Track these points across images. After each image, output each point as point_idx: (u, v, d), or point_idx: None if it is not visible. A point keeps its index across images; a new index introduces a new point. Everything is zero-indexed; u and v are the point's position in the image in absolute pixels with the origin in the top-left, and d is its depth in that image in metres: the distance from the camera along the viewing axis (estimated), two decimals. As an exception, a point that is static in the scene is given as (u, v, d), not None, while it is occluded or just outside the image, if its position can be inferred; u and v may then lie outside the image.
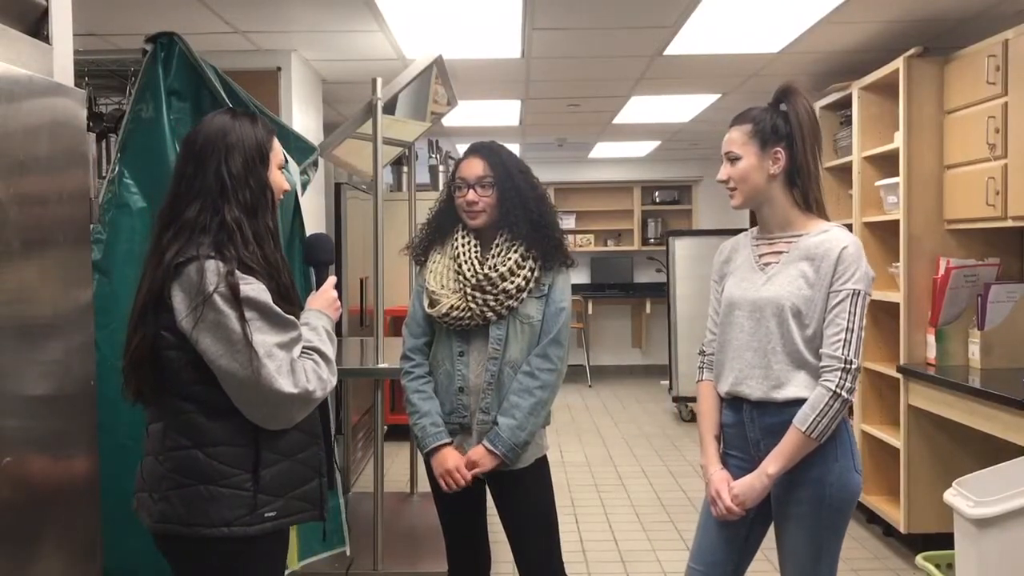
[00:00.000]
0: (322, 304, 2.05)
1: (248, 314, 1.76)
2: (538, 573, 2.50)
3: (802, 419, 2.09)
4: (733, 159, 2.21)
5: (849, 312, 2.09)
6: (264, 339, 1.77)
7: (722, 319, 2.29)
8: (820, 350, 2.12)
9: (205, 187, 1.85)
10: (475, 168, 2.43)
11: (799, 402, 2.12)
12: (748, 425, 2.21)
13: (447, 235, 2.51)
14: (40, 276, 1.68)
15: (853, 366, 2.08)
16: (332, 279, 2.15)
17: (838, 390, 2.07)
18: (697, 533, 2.35)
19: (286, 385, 1.78)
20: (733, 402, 2.25)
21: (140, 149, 2.59)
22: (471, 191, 2.42)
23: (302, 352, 1.88)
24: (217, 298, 1.75)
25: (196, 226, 1.83)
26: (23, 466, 1.58)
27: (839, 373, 2.08)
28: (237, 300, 1.76)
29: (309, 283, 2.83)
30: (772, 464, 2.13)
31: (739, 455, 2.26)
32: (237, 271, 1.79)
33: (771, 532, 2.29)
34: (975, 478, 2.93)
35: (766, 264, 2.23)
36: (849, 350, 2.08)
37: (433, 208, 2.59)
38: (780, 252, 2.21)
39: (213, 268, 1.77)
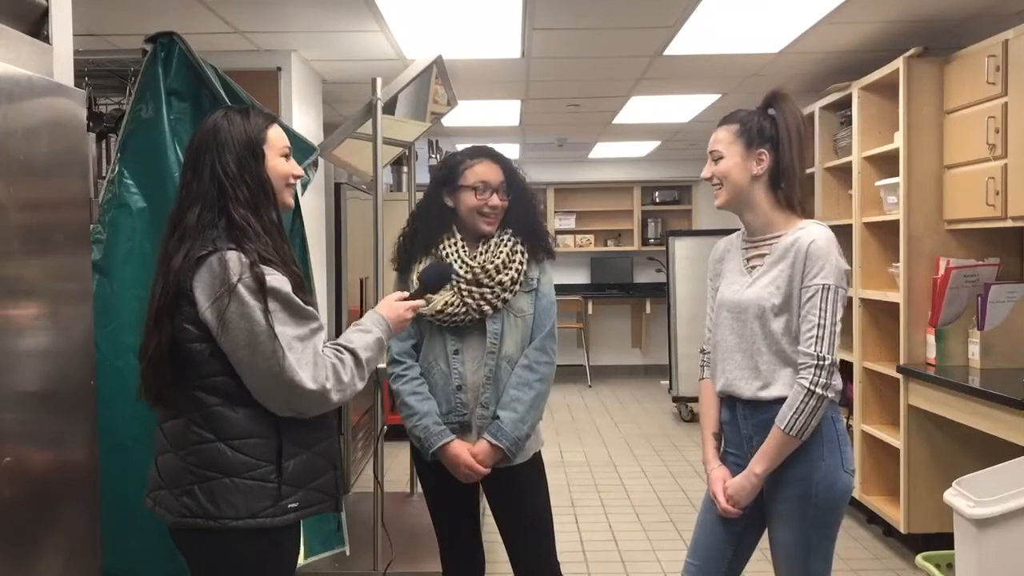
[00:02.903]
0: (389, 312, 2.07)
1: (272, 305, 1.78)
2: (533, 570, 2.50)
3: (780, 418, 2.12)
4: (717, 158, 2.25)
5: (820, 308, 2.11)
6: (285, 331, 1.79)
7: (714, 321, 2.33)
8: (797, 347, 2.14)
9: (202, 190, 1.85)
10: (496, 174, 2.44)
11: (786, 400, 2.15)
12: (741, 422, 2.25)
13: (435, 244, 2.46)
14: (40, 276, 1.68)
15: (827, 362, 2.10)
16: (418, 303, 2.17)
17: (812, 387, 2.09)
18: (695, 529, 2.37)
19: (306, 379, 1.80)
20: (728, 400, 2.29)
21: (140, 149, 2.59)
22: (494, 195, 2.42)
23: (333, 348, 1.90)
24: (242, 289, 1.76)
25: (200, 228, 1.83)
26: (23, 465, 1.58)
27: (812, 370, 2.09)
28: (262, 291, 1.77)
29: (310, 284, 2.83)
30: (758, 464, 2.16)
31: (735, 452, 2.29)
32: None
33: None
34: (975, 478, 2.92)
35: (752, 267, 2.26)
36: (822, 346, 2.10)
37: (414, 214, 2.55)
38: (763, 255, 2.24)
39: (235, 259, 1.78)
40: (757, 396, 2.19)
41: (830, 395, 2.12)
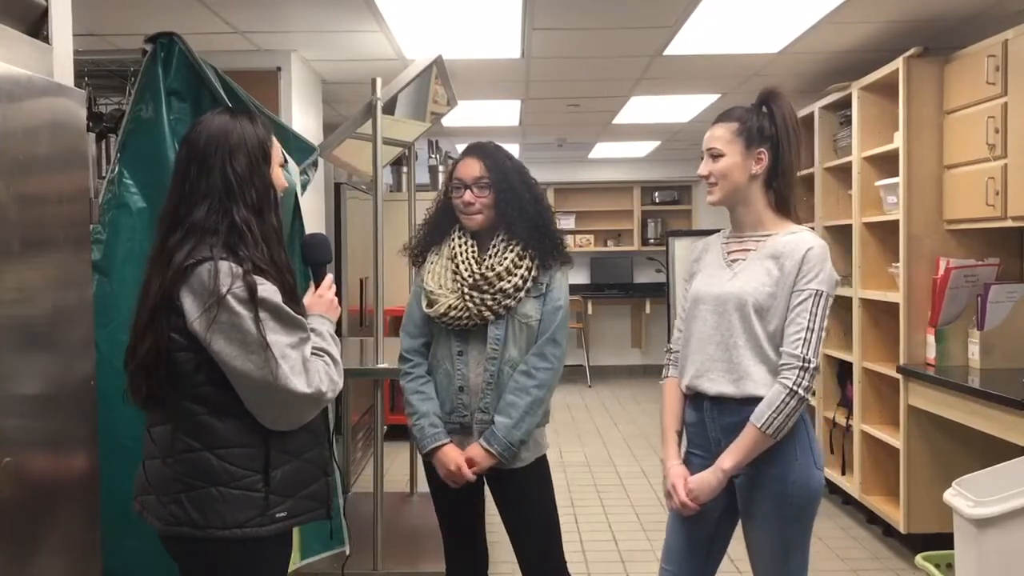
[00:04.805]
0: (322, 308, 2.05)
1: (262, 315, 1.76)
2: (539, 571, 2.51)
3: (758, 416, 2.11)
4: (716, 155, 2.23)
5: (810, 312, 2.11)
6: (277, 339, 1.78)
7: (688, 314, 2.31)
8: (780, 348, 2.14)
9: (211, 188, 1.84)
10: (472, 169, 2.43)
11: (758, 400, 2.14)
12: (708, 424, 2.24)
13: (444, 236, 2.51)
14: (40, 276, 1.68)
15: (811, 365, 2.10)
16: (329, 279, 2.13)
17: (795, 388, 2.09)
18: (667, 534, 2.36)
19: (300, 385, 1.79)
20: (695, 399, 2.27)
21: (140, 149, 2.59)
22: (467, 192, 2.42)
23: (313, 352, 1.88)
24: (231, 299, 1.74)
25: (206, 228, 1.82)
26: (23, 466, 1.58)
27: (797, 371, 2.10)
28: (253, 301, 1.76)
29: (308, 283, 2.83)
30: (727, 459, 2.15)
31: (701, 454, 2.28)
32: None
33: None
34: (975, 478, 2.92)
35: (733, 261, 2.26)
36: (808, 349, 2.10)
37: (430, 209, 2.59)
38: (748, 250, 2.24)
39: (226, 269, 1.76)
40: (727, 392, 2.18)
41: (809, 397, 2.13)
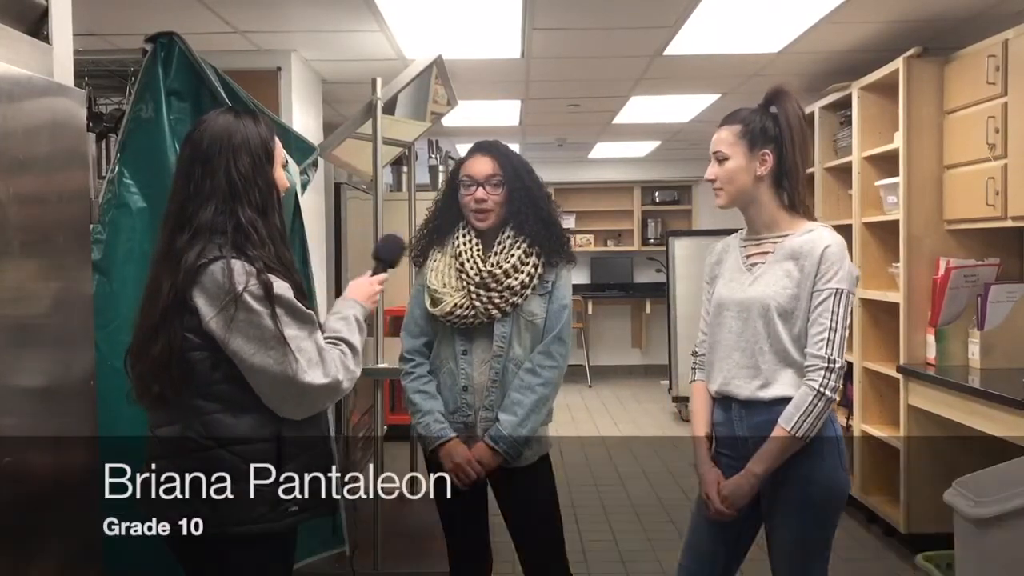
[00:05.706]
0: (359, 294, 2.08)
1: (278, 311, 1.79)
2: (542, 571, 2.50)
3: (787, 418, 2.11)
4: (721, 159, 2.23)
5: (832, 311, 2.11)
6: (294, 334, 1.80)
7: (712, 320, 2.30)
8: (805, 349, 2.14)
9: (216, 188, 1.84)
10: (484, 167, 2.42)
11: (786, 400, 2.13)
12: (737, 424, 2.23)
13: (447, 235, 2.51)
14: (40, 276, 1.68)
15: (836, 365, 2.10)
16: (383, 276, 2.16)
17: (822, 389, 2.09)
18: (688, 531, 2.36)
19: (318, 377, 1.82)
20: (723, 401, 2.27)
21: (140, 149, 2.59)
22: (480, 189, 2.41)
23: (329, 341, 1.91)
24: (248, 297, 1.76)
25: (213, 228, 1.82)
26: (23, 466, 1.58)
27: (823, 372, 2.09)
28: (269, 298, 1.78)
29: (310, 284, 2.83)
30: (758, 464, 2.15)
31: (729, 453, 2.27)
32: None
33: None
34: (975, 478, 2.92)
35: (753, 264, 2.24)
36: (832, 349, 2.10)
37: (431, 208, 2.58)
38: (766, 252, 2.23)
39: (240, 268, 1.78)
40: (755, 396, 2.18)
41: (837, 398, 2.13)
